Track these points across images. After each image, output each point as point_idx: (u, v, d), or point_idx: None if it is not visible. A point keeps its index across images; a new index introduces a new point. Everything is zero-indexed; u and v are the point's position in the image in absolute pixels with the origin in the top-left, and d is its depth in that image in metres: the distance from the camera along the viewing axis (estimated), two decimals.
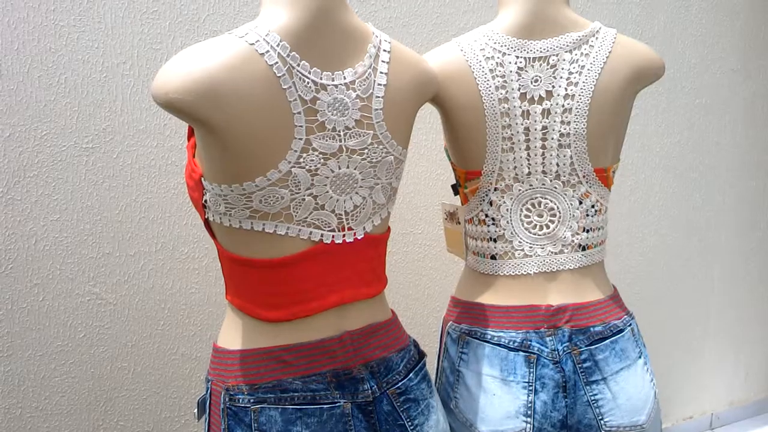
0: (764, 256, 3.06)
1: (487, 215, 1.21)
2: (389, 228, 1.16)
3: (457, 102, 1.17)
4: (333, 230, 1.06)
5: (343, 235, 1.07)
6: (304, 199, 1.02)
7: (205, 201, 1.04)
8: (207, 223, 1.08)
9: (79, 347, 1.81)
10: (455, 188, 1.28)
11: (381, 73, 1.05)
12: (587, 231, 1.21)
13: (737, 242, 2.98)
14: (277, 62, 0.96)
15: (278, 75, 0.96)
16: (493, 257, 1.22)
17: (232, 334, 1.08)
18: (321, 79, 1.00)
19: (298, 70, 0.98)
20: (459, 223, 1.27)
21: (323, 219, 1.05)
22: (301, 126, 0.99)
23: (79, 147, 1.74)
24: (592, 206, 1.20)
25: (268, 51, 0.96)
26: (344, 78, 1.02)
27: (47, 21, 1.69)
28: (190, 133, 1.09)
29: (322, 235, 1.05)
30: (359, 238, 1.08)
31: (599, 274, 1.24)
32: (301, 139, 0.99)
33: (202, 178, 1.02)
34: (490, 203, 1.21)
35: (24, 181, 1.71)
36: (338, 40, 1.02)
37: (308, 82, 0.99)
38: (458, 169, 1.23)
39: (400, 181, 1.11)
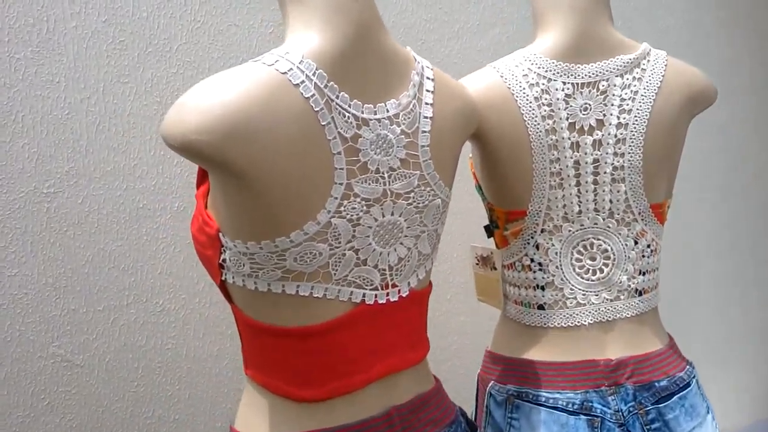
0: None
1: (532, 260, 1.04)
2: (431, 281, 0.97)
3: (499, 134, 0.99)
4: (376, 288, 0.86)
5: (387, 294, 0.87)
6: (344, 254, 0.82)
7: (224, 260, 0.83)
8: (223, 285, 0.87)
9: (43, 416, 1.55)
10: (489, 230, 1.10)
11: (426, 104, 0.87)
12: (643, 274, 1.04)
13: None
14: (314, 94, 0.77)
15: (315, 109, 0.77)
16: (540, 307, 1.04)
17: (255, 416, 0.86)
18: (362, 112, 0.81)
19: (337, 104, 0.79)
20: (494, 268, 1.09)
21: (365, 276, 0.85)
22: (342, 168, 0.79)
23: (39, 192, 1.50)
24: (648, 246, 1.04)
25: (303, 81, 0.76)
26: (387, 111, 0.83)
27: (1, 53, 1.44)
28: (201, 179, 0.88)
29: (364, 295, 0.85)
30: (404, 295, 0.89)
31: (656, 321, 1.08)
32: (341, 183, 0.80)
33: (220, 234, 0.81)
34: (537, 246, 1.03)
35: None
36: (379, 67, 0.83)
37: (348, 117, 0.80)
38: (497, 209, 1.05)
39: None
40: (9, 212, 1.48)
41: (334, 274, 0.83)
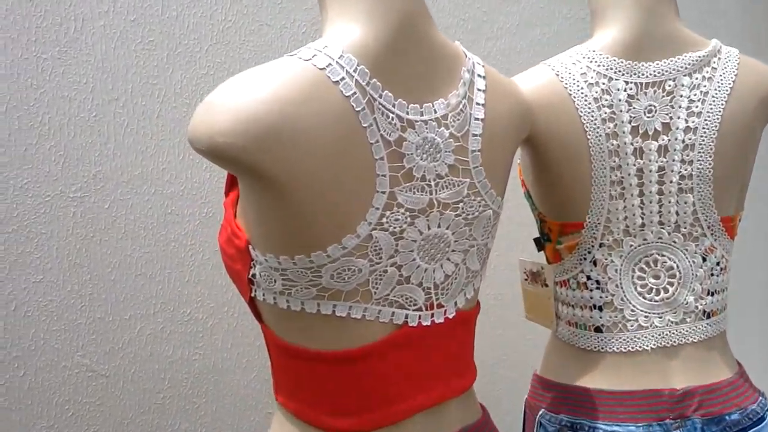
0: None
1: (589, 277, 0.94)
2: (479, 301, 0.87)
3: (554, 138, 0.90)
4: (420, 309, 0.77)
5: (432, 315, 0.78)
6: (386, 271, 0.73)
7: (253, 275, 0.75)
8: (252, 303, 0.79)
9: (67, 428, 1.49)
10: (539, 242, 1.00)
11: (477, 104, 0.78)
12: (712, 294, 0.94)
13: None
14: (355, 93, 0.68)
15: (357, 109, 0.68)
16: (597, 329, 0.94)
17: None
18: (408, 113, 0.72)
19: (380, 103, 0.70)
20: (546, 285, 0.99)
21: (408, 295, 0.76)
22: (385, 176, 0.71)
23: (66, 197, 1.44)
24: (717, 263, 0.93)
25: (343, 78, 0.68)
26: (435, 111, 0.74)
27: (28, 53, 1.39)
28: (230, 185, 0.80)
29: (406, 316, 0.76)
30: (450, 316, 0.79)
31: (724, 347, 0.97)
32: (384, 192, 0.71)
33: (250, 247, 0.73)
34: (594, 263, 0.93)
35: (1, 237, 1.40)
36: (426, 63, 0.74)
37: (392, 118, 0.71)
38: (549, 220, 0.96)
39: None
40: (35, 216, 1.42)
41: (375, 292, 0.74)
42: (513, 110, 0.82)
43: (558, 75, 0.90)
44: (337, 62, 0.68)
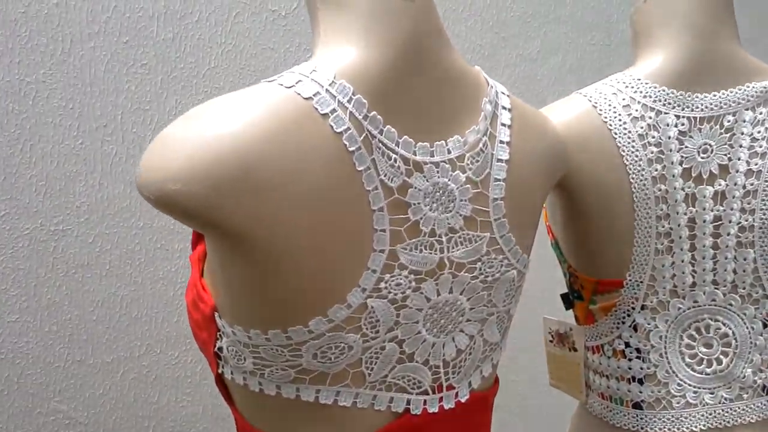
0: None
1: (628, 344, 0.78)
2: (497, 378, 0.72)
3: (591, 181, 0.75)
4: (425, 392, 0.61)
5: (440, 399, 0.62)
6: (383, 348, 0.58)
7: (220, 349, 0.60)
8: (220, 379, 0.64)
9: None
10: (568, 300, 0.85)
11: (501, 143, 0.63)
12: None
13: None
14: (349, 128, 0.54)
15: (351, 149, 0.54)
16: (637, 406, 0.78)
17: None
18: (415, 154, 0.57)
19: (380, 141, 0.55)
20: (575, 349, 0.84)
21: (411, 376, 0.61)
22: (384, 231, 0.56)
23: (46, 230, 1.32)
24: None
25: (334, 110, 0.53)
26: (448, 151, 0.59)
27: (10, 75, 1.27)
28: (197, 238, 0.65)
29: (409, 402, 0.61)
30: (462, 400, 0.64)
31: None
32: (383, 251, 0.56)
33: (217, 315, 0.58)
34: (635, 327, 0.77)
35: None
36: (438, 92, 0.60)
37: (395, 160, 0.56)
38: (581, 276, 0.80)
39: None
40: (11, 251, 1.30)
41: (369, 374, 0.59)
42: (545, 150, 0.67)
43: (596, 107, 0.75)
44: (327, 90, 0.54)
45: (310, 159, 0.52)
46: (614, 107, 0.74)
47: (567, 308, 0.85)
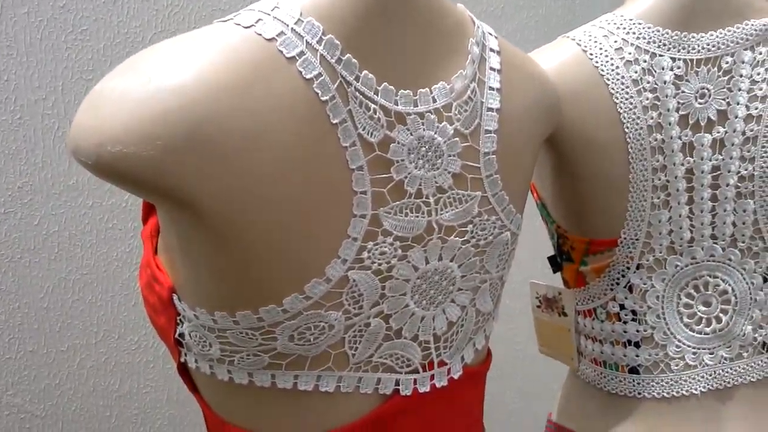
0: None
1: (623, 306, 0.71)
2: (489, 351, 0.65)
3: (582, 132, 0.67)
4: (415, 371, 0.54)
5: (431, 377, 0.55)
6: (368, 325, 0.50)
7: (181, 335, 0.51)
8: (183, 369, 0.55)
9: None
10: (556, 262, 0.78)
11: (491, 89, 0.54)
12: None
13: None
14: (320, 74, 0.45)
15: (323, 98, 0.45)
16: (633, 370, 0.72)
17: None
18: (396, 103, 0.48)
19: (357, 89, 0.46)
20: (564, 314, 0.77)
21: (399, 354, 0.53)
22: (365, 193, 0.47)
23: None
24: None
25: (302, 53, 0.44)
26: (434, 100, 0.51)
27: None
28: (147, 210, 0.56)
29: (397, 383, 0.53)
30: (455, 376, 0.56)
31: None
32: (364, 216, 0.47)
33: (175, 297, 0.49)
34: (630, 288, 0.71)
35: None
36: (421, 33, 0.51)
37: (375, 111, 0.47)
38: (571, 236, 0.73)
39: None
40: None
41: (353, 355, 0.51)
42: (537, 98, 0.59)
43: (586, 51, 0.67)
44: (292, 30, 0.45)
45: (274, 112, 0.43)
46: (606, 51, 0.67)
47: (555, 271, 0.79)
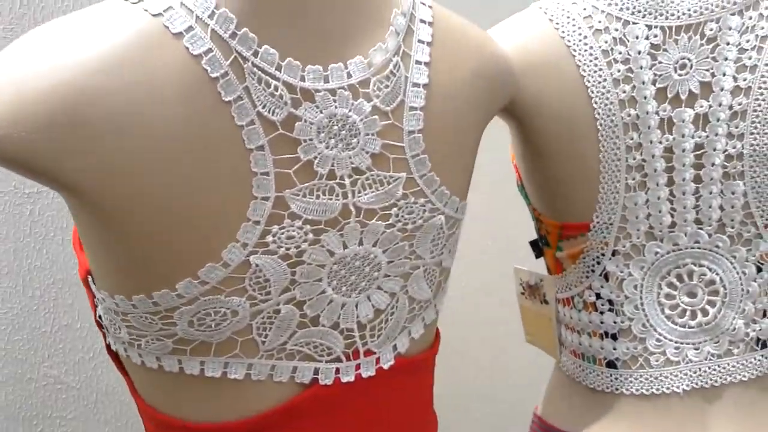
0: None
1: (599, 296, 0.66)
2: (438, 334, 0.61)
3: (547, 110, 0.62)
4: (337, 359, 0.51)
5: (357, 366, 0.52)
6: (278, 311, 0.48)
7: (100, 317, 0.51)
8: (111, 352, 0.55)
9: None
10: (538, 247, 0.73)
11: (418, 63, 0.50)
12: None
13: None
14: (210, 49, 0.42)
15: (213, 75, 0.43)
16: (611, 364, 0.67)
17: None
18: (303, 80, 0.46)
19: (255, 65, 0.44)
20: (546, 302, 0.73)
21: (318, 342, 0.50)
22: (267, 174, 0.45)
23: (21, 192, 1.27)
24: None
25: (190, 28, 0.42)
26: (348, 75, 0.47)
27: None
28: None
29: (317, 372, 0.51)
30: (386, 366, 0.53)
31: None
32: (266, 198, 0.45)
33: (90, 279, 0.49)
34: (605, 276, 0.65)
35: None
36: (338, 6, 0.48)
37: (276, 88, 0.45)
38: (546, 219, 0.68)
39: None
40: None
41: (263, 342, 0.49)
42: (478, 71, 0.54)
43: (552, 20, 0.62)
44: (182, 4, 0.43)
45: (159, 91, 0.42)
46: (573, 19, 0.61)
47: (537, 256, 0.74)
